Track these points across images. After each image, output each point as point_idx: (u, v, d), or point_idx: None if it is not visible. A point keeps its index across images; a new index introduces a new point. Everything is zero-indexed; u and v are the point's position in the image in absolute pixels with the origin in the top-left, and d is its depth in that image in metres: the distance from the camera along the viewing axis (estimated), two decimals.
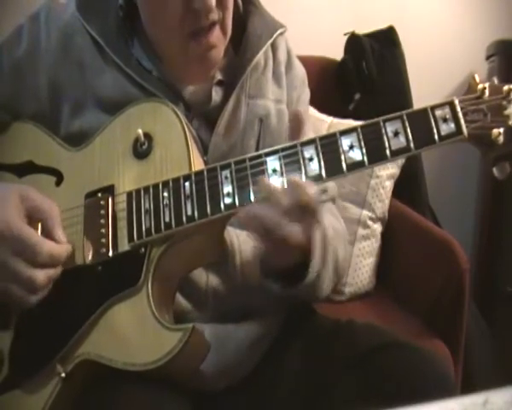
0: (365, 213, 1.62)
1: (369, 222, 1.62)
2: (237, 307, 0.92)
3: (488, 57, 2.00)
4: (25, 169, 0.93)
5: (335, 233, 0.92)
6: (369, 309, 1.53)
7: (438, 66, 2.05)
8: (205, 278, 0.91)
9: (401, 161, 1.65)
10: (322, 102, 1.63)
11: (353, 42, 1.84)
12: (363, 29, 1.86)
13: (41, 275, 0.77)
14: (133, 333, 0.77)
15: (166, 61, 0.94)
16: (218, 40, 0.90)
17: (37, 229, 0.80)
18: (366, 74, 1.79)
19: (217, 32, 0.89)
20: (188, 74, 0.94)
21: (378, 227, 1.63)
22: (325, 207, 0.98)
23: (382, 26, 1.84)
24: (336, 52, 1.87)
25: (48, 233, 0.80)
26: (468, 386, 1.44)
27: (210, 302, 0.91)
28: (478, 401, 0.43)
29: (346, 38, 1.87)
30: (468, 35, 2.10)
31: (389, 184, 1.65)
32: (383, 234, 1.64)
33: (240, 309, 0.92)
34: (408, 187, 1.75)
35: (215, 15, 0.87)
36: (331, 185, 1.03)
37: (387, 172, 1.63)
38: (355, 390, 0.81)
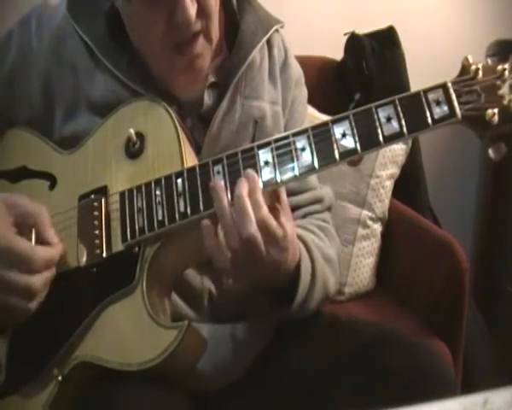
0: (365, 213, 1.61)
1: (369, 222, 1.62)
2: (233, 307, 0.92)
3: (488, 57, 2.00)
4: (19, 175, 0.93)
5: (322, 255, 0.92)
6: (369, 309, 1.52)
7: (438, 65, 2.04)
8: (199, 278, 0.91)
9: (401, 160, 1.65)
10: (322, 102, 1.63)
11: (353, 42, 1.84)
12: (363, 29, 1.85)
13: (37, 280, 0.77)
14: (129, 333, 0.77)
15: (154, 73, 0.92)
16: (203, 48, 0.88)
17: (29, 233, 0.79)
18: (366, 74, 1.78)
19: (201, 41, 0.87)
20: (175, 85, 0.91)
21: (378, 227, 1.63)
22: (312, 226, 0.97)
23: (382, 26, 1.84)
24: (336, 52, 1.87)
25: (39, 236, 0.79)
26: (468, 386, 1.44)
27: (206, 303, 0.91)
28: (478, 401, 0.43)
29: (346, 38, 1.86)
30: (468, 35, 2.09)
31: (389, 184, 1.64)
32: (383, 234, 1.64)
33: (236, 309, 0.92)
34: (408, 187, 1.74)
35: (198, 26, 0.85)
36: (327, 195, 1.02)
37: (387, 172, 1.63)
38: (354, 388, 0.82)
